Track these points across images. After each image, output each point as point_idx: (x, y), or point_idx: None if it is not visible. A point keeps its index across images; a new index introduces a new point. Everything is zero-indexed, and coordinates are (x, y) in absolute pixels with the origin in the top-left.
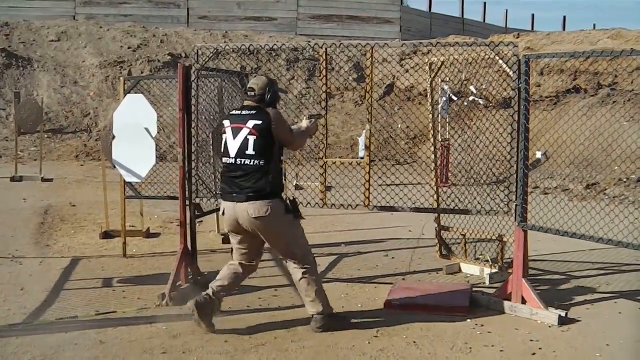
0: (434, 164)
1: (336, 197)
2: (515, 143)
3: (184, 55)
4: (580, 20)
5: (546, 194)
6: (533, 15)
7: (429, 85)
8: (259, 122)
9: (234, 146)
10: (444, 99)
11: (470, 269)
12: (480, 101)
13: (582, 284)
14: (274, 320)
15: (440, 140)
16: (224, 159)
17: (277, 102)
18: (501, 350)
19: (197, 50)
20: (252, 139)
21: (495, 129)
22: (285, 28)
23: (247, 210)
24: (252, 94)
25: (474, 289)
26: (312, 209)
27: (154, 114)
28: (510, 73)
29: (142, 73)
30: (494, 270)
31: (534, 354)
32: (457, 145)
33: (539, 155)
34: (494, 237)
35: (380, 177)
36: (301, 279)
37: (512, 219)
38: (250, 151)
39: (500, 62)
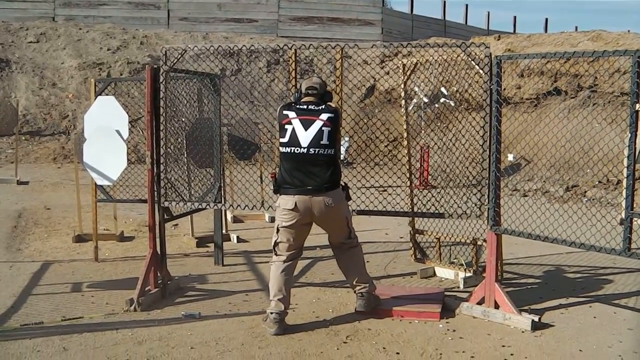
0: (408, 167)
1: None
2: (487, 145)
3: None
4: (562, 22)
5: (526, 196)
6: (515, 17)
7: (402, 87)
8: (332, 115)
9: (306, 136)
10: (425, 101)
11: (444, 273)
12: (452, 103)
13: (557, 288)
14: (242, 326)
15: (419, 142)
16: (290, 149)
17: (331, 100)
18: (472, 357)
19: (165, 52)
20: (326, 130)
21: (475, 131)
22: (266, 30)
23: (323, 201)
24: (315, 92)
25: (447, 293)
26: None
27: (125, 115)
28: (482, 74)
29: (121, 74)
30: (468, 274)
31: (505, 359)
32: (437, 148)
33: (510, 158)
34: (468, 241)
35: (359, 180)
36: (356, 246)
37: (485, 223)
38: (325, 141)
39: (472, 63)
